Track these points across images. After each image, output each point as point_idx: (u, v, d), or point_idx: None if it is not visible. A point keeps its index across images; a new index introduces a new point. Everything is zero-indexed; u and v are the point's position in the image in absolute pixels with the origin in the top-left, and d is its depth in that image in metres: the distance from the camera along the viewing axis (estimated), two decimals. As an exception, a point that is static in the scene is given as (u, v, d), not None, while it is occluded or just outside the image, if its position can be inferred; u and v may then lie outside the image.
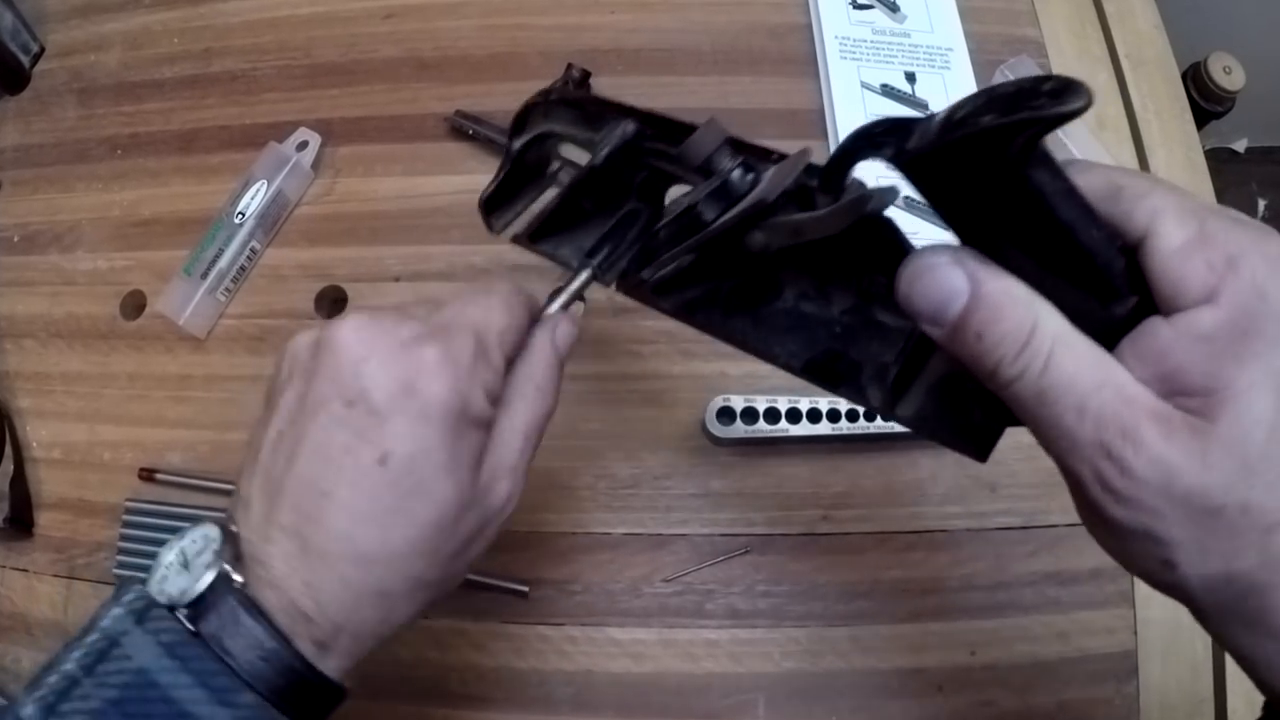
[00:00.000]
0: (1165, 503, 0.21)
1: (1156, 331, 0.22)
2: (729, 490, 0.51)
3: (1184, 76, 0.76)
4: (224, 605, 0.26)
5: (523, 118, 0.36)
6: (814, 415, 0.49)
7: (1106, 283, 0.22)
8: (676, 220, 0.30)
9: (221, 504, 0.52)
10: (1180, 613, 0.50)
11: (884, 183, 0.25)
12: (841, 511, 0.50)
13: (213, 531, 0.28)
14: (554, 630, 0.49)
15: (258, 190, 0.58)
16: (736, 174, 0.29)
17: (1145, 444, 0.21)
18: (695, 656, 0.48)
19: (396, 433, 0.27)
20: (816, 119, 0.60)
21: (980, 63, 0.62)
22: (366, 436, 0.27)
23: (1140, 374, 0.22)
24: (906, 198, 0.54)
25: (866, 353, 0.30)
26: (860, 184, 0.26)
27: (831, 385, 0.30)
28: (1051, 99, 0.19)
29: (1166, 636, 0.48)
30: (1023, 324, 0.22)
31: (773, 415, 0.50)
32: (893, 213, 0.26)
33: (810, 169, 0.27)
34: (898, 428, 0.49)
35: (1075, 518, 0.52)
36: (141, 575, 0.51)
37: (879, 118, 0.23)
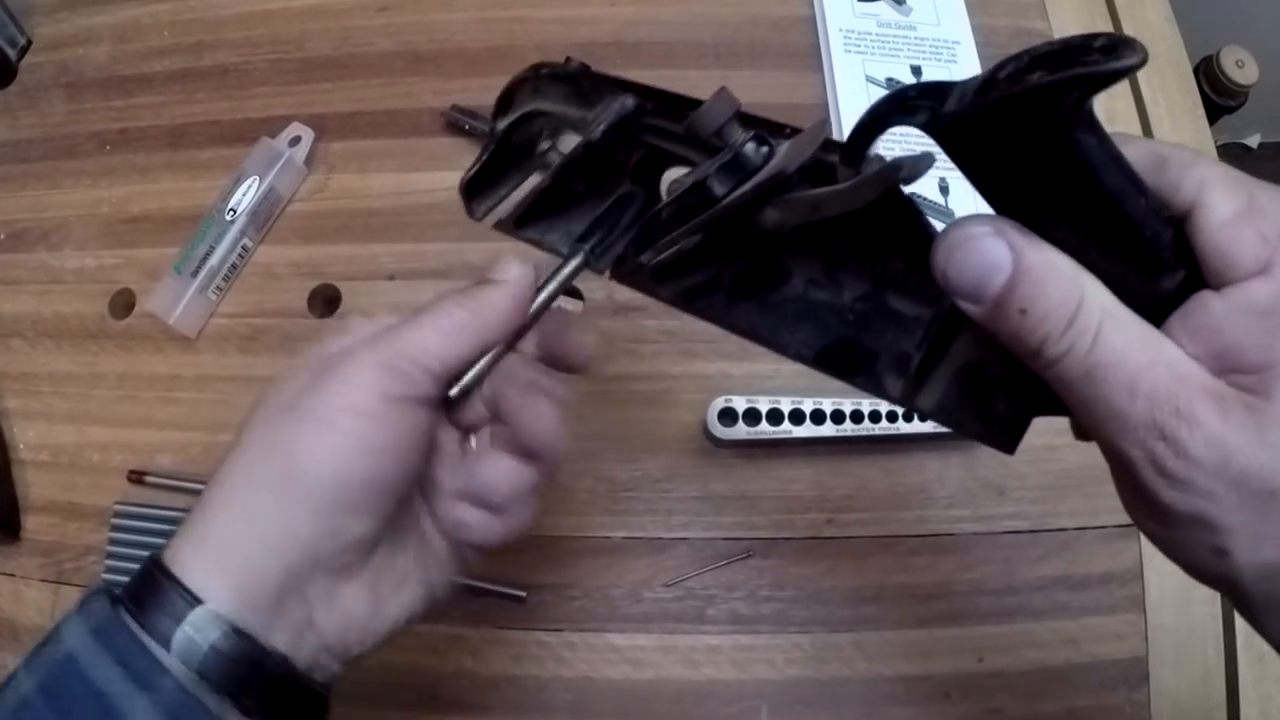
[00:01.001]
0: (1221, 485, 0.21)
1: (1208, 306, 0.22)
2: (731, 493, 0.51)
3: (1195, 71, 0.76)
4: (147, 577, 0.27)
5: (509, 95, 0.34)
6: (818, 416, 0.49)
7: (1154, 255, 0.22)
8: (682, 197, 0.29)
9: (212, 507, 0.52)
10: (1192, 618, 0.50)
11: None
12: (846, 515, 0.50)
13: None
14: (552, 636, 0.48)
15: (249, 187, 0.58)
16: (750, 147, 0.27)
17: (1201, 423, 0.21)
18: (696, 663, 0.48)
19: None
20: (820, 114, 0.60)
21: (988, 56, 0.62)
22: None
23: (1192, 350, 0.21)
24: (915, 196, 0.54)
25: (881, 341, 0.29)
26: (880, 158, 0.25)
27: (846, 375, 0.29)
28: (1105, 55, 0.18)
29: (1178, 642, 0.48)
30: (1069, 298, 0.22)
31: (775, 417, 0.50)
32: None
33: (828, 144, 0.26)
34: (904, 429, 0.49)
35: (1085, 521, 0.52)
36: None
37: (911, 83, 0.22)
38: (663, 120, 0.31)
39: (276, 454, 0.28)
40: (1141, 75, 0.63)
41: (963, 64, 0.62)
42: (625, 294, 0.55)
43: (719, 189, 0.28)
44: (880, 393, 0.29)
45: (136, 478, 0.53)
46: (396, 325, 0.30)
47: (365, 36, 0.65)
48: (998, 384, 0.26)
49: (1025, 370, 0.24)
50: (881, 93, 0.60)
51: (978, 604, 0.49)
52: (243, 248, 0.58)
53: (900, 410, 0.49)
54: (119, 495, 0.53)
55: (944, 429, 0.49)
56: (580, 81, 0.32)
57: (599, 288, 0.55)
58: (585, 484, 0.51)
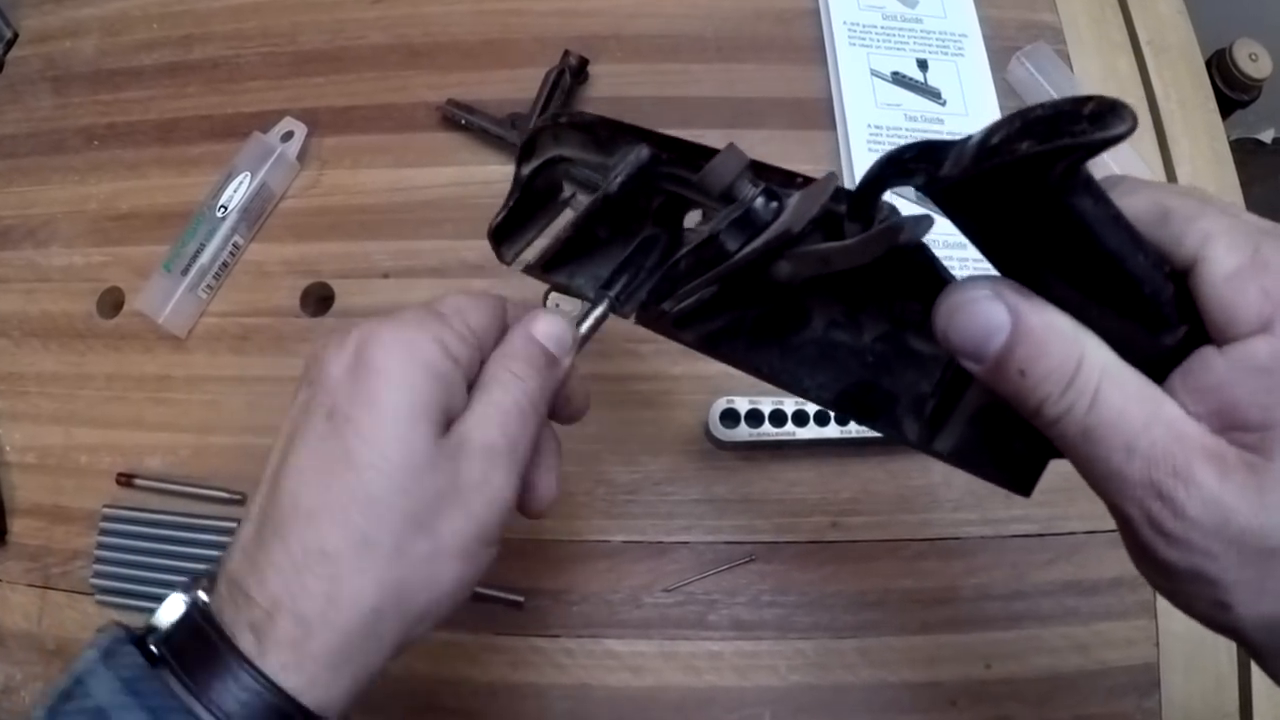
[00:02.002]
0: (1219, 544, 0.21)
1: (1209, 363, 0.22)
2: (733, 496, 0.51)
3: (1208, 64, 0.76)
4: (187, 626, 0.27)
5: (531, 142, 0.36)
6: (821, 418, 0.49)
7: (1155, 312, 0.22)
8: (697, 250, 0.30)
9: (202, 510, 0.52)
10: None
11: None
12: (850, 518, 0.50)
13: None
14: (550, 642, 0.49)
15: (241, 183, 0.58)
16: (759, 202, 0.29)
17: (1198, 483, 0.21)
18: (698, 669, 0.48)
19: (342, 388, 0.28)
20: (825, 108, 0.60)
21: (995, 49, 0.62)
22: (319, 401, 0.28)
23: (1193, 408, 0.22)
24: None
25: (901, 383, 0.30)
26: (892, 209, 0.25)
27: (866, 418, 0.30)
28: (1092, 123, 0.19)
29: (1190, 649, 0.48)
30: (1068, 359, 0.22)
31: (778, 418, 0.50)
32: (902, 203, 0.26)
33: (837, 194, 0.27)
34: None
35: (1095, 525, 0.52)
36: (119, 584, 0.51)
37: (909, 142, 0.23)
38: (679, 169, 0.32)
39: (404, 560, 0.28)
40: (1153, 68, 0.63)
41: (970, 58, 0.62)
42: (625, 292, 0.55)
43: (730, 245, 0.29)
44: (899, 435, 0.30)
45: (125, 480, 0.53)
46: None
47: (359, 29, 0.65)
48: (1014, 427, 0.27)
49: None
50: (887, 86, 0.60)
51: (985, 609, 0.49)
52: (234, 245, 0.58)
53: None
54: (107, 498, 0.53)
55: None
56: (598, 131, 0.34)
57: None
58: (584, 487, 0.51)
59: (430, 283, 0.56)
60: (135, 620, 0.50)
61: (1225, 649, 0.48)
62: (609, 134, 0.33)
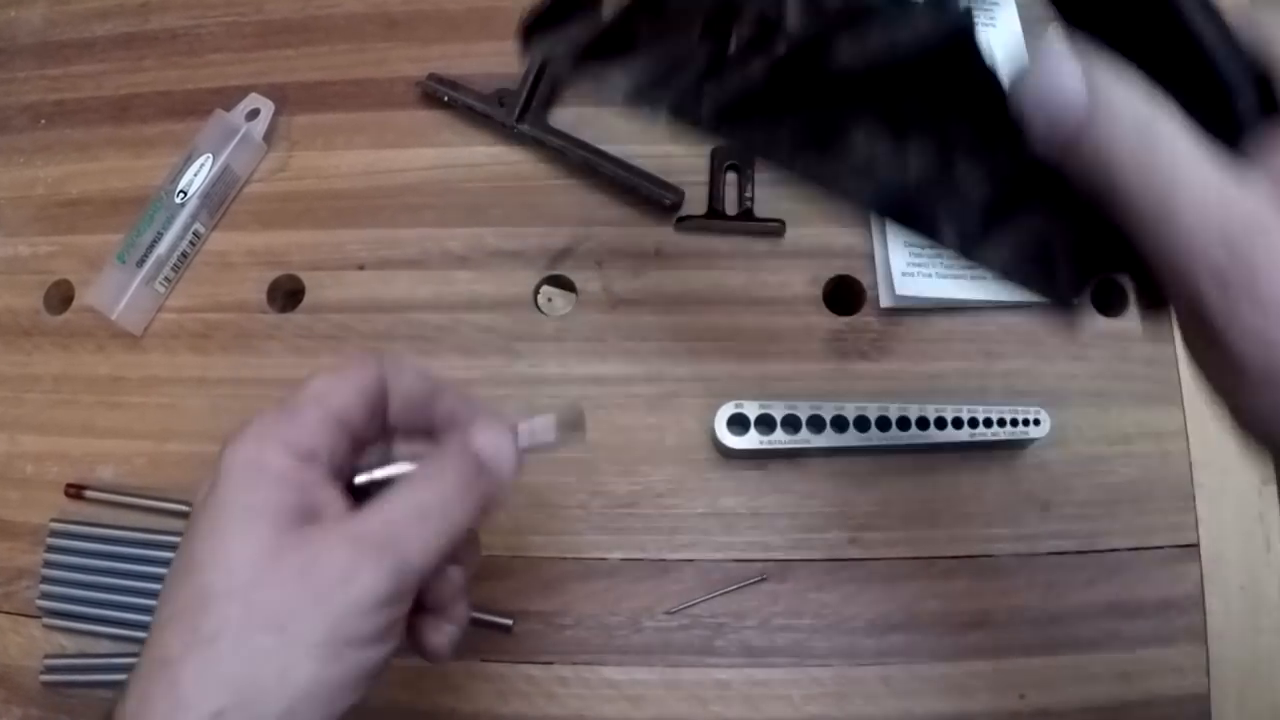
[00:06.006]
0: None
1: None
2: (742, 509, 0.51)
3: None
4: None
5: None
6: (839, 423, 0.49)
7: (1233, 117, 0.23)
8: (753, 25, 0.31)
9: (159, 524, 0.52)
10: (1259, 650, 0.50)
11: None
12: (871, 533, 0.50)
13: None
14: (541, 670, 0.49)
15: (202, 165, 0.58)
16: None
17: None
18: (703, 700, 0.48)
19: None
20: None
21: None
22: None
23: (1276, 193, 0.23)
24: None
25: (945, 203, 0.31)
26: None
27: (906, 222, 0.32)
28: None
29: (1243, 677, 0.48)
30: (1146, 131, 0.23)
31: (792, 423, 0.50)
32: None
33: None
34: (935, 437, 0.49)
35: (1139, 541, 0.52)
36: (68, 606, 0.51)
37: None
38: None
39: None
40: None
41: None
42: (622, 287, 0.55)
43: (793, 20, 0.30)
44: (939, 241, 0.31)
45: (75, 492, 0.53)
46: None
47: (332, -3, 0.65)
48: (1061, 254, 0.28)
49: (1093, 233, 0.26)
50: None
51: (1019, 634, 0.49)
52: (194, 234, 0.58)
53: (931, 418, 0.49)
54: (55, 511, 0.53)
55: (979, 439, 0.49)
56: None
57: (594, 279, 0.55)
58: (578, 499, 0.51)
59: (409, 275, 0.56)
60: (90, 645, 0.50)
61: (1283, 677, 0.48)
62: None
